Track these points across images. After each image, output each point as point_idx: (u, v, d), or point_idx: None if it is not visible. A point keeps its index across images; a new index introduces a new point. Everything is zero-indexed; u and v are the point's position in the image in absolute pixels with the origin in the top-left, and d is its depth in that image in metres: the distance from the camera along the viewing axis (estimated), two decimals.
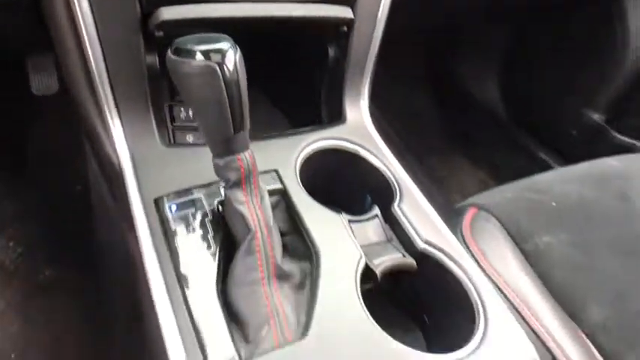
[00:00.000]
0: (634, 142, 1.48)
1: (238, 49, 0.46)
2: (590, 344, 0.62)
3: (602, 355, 0.62)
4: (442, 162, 1.74)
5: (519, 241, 0.73)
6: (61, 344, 1.00)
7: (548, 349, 0.58)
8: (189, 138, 0.73)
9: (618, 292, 0.71)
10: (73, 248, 1.17)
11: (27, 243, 1.23)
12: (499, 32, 1.73)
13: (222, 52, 0.44)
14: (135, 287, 0.74)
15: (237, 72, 0.45)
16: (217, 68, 0.43)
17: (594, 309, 0.68)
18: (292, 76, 0.87)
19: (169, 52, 0.46)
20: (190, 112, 0.74)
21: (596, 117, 1.54)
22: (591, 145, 1.54)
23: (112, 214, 0.84)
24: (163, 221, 0.56)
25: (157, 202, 0.58)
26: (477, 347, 0.52)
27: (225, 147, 0.50)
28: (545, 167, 1.60)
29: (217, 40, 0.45)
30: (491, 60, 1.77)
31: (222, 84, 0.44)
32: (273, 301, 0.51)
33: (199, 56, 0.43)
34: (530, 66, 1.70)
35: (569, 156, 1.59)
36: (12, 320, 1.05)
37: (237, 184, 0.52)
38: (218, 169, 0.52)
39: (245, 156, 0.51)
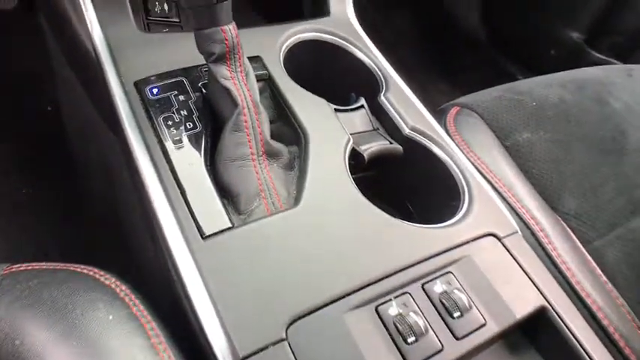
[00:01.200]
0: (612, 60, 1.49)
1: None
2: (565, 225, 0.65)
3: (575, 236, 0.65)
4: (420, 84, 1.73)
5: (500, 136, 0.74)
6: (48, 255, 1.00)
7: (526, 225, 0.60)
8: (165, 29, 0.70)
9: (591, 185, 0.74)
10: (49, 166, 1.15)
11: (1, 163, 1.20)
12: None
13: None
14: (115, 182, 0.73)
15: None
16: None
17: (569, 199, 0.71)
18: None
19: None
20: (165, 6, 0.71)
21: (575, 36, 1.54)
22: (570, 64, 1.55)
23: (89, 118, 0.81)
24: (146, 104, 0.54)
25: (138, 85, 0.55)
26: (461, 219, 0.54)
27: (208, 17, 0.48)
28: None
29: None
30: None
31: None
32: (263, 175, 0.51)
33: None
34: None
35: None
36: None
37: (221, 58, 0.50)
38: (201, 42, 0.50)
39: (229, 28, 0.49)
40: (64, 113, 1.14)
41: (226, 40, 0.49)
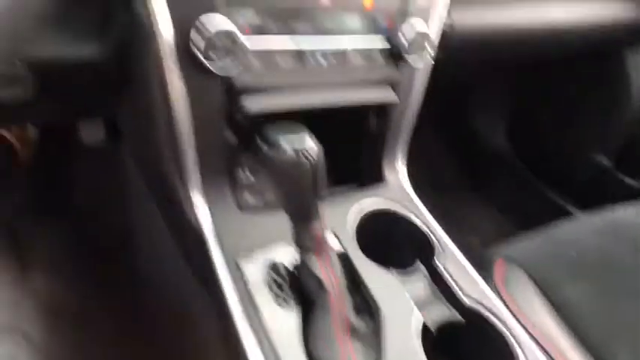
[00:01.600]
0: None
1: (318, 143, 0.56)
2: None
3: None
4: (457, 207, 1.83)
5: (547, 291, 0.81)
6: None
7: None
8: (249, 197, 0.83)
9: None
10: (113, 311, 1.20)
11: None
12: (508, 85, 1.85)
13: (311, 149, 0.53)
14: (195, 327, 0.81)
15: (320, 163, 0.55)
16: (309, 165, 0.53)
17: (620, 352, 0.76)
18: (335, 142, 0.98)
19: (261, 143, 0.55)
20: (248, 173, 0.84)
21: (603, 159, 1.63)
22: (600, 187, 1.62)
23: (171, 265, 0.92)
24: (245, 282, 0.65)
25: (238, 264, 0.66)
26: None
27: (303, 219, 0.59)
28: (556, 209, 1.69)
29: (300, 135, 0.55)
30: (502, 110, 1.88)
31: (311, 175, 0.54)
32: (347, 352, 0.59)
33: (292, 153, 0.53)
34: (538, 115, 1.80)
35: (579, 197, 1.68)
36: None
37: (312, 249, 0.61)
38: (296, 238, 0.60)
39: (319, 225, 0.60)
40: (136, 253, 1.24)
41: (317, 236, 0.60)
